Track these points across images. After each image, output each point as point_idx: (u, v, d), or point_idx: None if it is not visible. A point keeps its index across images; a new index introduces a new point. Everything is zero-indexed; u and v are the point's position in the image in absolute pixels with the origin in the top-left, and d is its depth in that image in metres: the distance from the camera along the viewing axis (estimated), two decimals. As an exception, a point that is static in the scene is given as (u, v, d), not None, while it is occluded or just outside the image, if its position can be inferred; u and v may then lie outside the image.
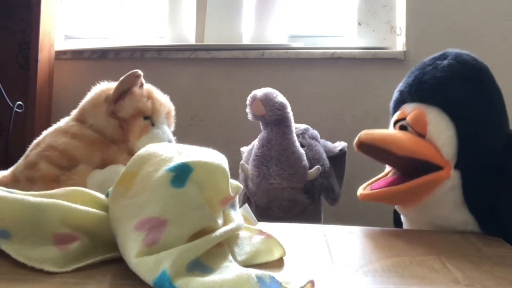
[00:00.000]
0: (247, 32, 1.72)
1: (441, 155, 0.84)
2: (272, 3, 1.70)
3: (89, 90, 1.03)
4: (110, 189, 0.65)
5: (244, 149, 1.27)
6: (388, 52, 1.60)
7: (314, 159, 1.16)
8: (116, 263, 0.61)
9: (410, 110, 0.90)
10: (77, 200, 0.66)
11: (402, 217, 0.97)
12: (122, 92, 0.98)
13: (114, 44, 1.77)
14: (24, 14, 1.60)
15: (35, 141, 0.99)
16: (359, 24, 1.67)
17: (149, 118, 1.01)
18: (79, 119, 1.00)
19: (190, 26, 1.75)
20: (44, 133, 1.00)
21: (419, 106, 0.89)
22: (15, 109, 1.51)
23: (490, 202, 0.83)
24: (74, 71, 1.75)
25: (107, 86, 1.03)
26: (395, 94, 0.97)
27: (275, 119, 1.12)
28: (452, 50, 0.92)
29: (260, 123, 1.17)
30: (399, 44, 1.62)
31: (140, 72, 1.00)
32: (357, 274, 0.64)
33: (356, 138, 0.88)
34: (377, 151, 0.87)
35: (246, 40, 1.72)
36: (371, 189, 0.90)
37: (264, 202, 1.14)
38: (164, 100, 1.06)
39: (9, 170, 0.99)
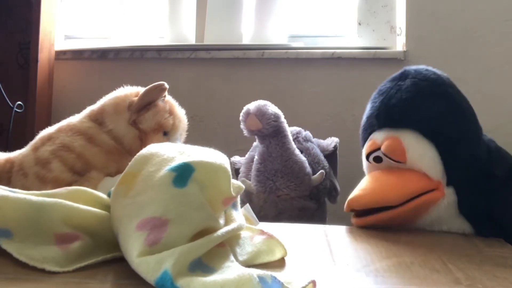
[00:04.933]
0: (247, 32, 1.72)
1: (430, 178, 0.83)
2: (272, 3, 1.69)
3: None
4: (112, 188, 0.65)
5: (237, 160, 1.25)
6: (388, 52, 1.60)
7: (314, 163, 1.16)
8: (118, 262, 0.61)
9: (381, 138, 0.87)
10: (78, 200, 0.66)
11: None
12: (147, 103, 0.97)
13: (114, 44, 1.76)
14: (24, 14, 1.60)
15: (45, 133, 0.96)
16: (359, 24, 1.67)
17: (167, 134, 1.00)
18: (97, 121, 0.97)
19: (190, 26, 1.74)
20: (56, 126, 0.97)
21: (390, 132, 0.87)
22: (15, 109, 1.51)
23: (484, 208, 0.83)
24: (74, 71, 1.75)
25: (131, 91, 1.00)
26: (363, 121, 0.94)
27: (272, 131, 1.11)
28: (410, 67, 0.90)
29: (256, 138, 1.15)
30: (399, 44, 1.62)
31: (166, 85, 0.98)
32: (359, 275, 0.64)
33: (346, 205, 0.86)
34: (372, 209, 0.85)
35: (246, 40, 1.72)
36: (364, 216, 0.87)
37: (273, 215, 1.12)
38: (182, 116, 1.04)
39: (13, 155, 0.96)
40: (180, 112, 1.04)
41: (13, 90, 1.54)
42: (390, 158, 0.85)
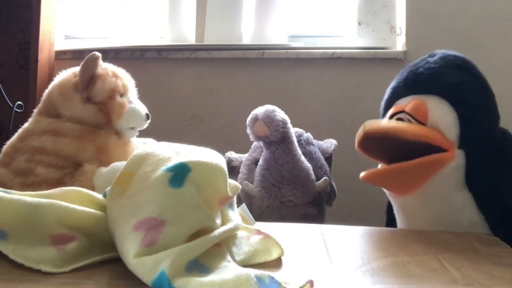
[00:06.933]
0: (247, 32, 1.72)
1: (445, 138, 0.86)
2: (272, 3, 1.70)
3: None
4: (108, 188, 0.65)
5: (234, 156, 1.23)
6: (388, 52, 1.60)
7: (317, 168, 1.14)
8: (114, 263, 0.61)
9: (406, 103, 0.91)
10: (74, 200, 0.66)
11: (396, 212, 0.97)
12: (89, 78, 0.98)
13: (114, 44, 1.76)
14: (24, 14, 1.60)
15: (7, 148, 0.96)
16: (359, 24, 1.67)
17: (123, 95, 1.01)
18: (53, 115, 0.98)
19: (190, 26, 1.75)
20: (14, 138, 0.97)
21: (415, 97, 0.90)
22: (15, 109, 1.51)
23: (490, 182, 0.85)
24: (74, 71, 1.75)
25: (68, 74, 1.02)
26: (387, 93, 0.98)
27: (279, 138, 1.09)
28: (439, 50, 0.95)
29: (261, 143, 1.13)
30: (399, 44, 1.62)
31: (97, 53, 0.99)
32: (356, 274, 0.64)
33: (361, 130, 0.88)
34: (381, 143, 0.88)
35: (246, 40, 1.72)
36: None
37: (274, 220, 1.09)
38: (127, 75, 1.06)
39: None
40: (123, 73, 1.06)
41: (13, 90, 1.55)
42: (413, 117, 0.89)
